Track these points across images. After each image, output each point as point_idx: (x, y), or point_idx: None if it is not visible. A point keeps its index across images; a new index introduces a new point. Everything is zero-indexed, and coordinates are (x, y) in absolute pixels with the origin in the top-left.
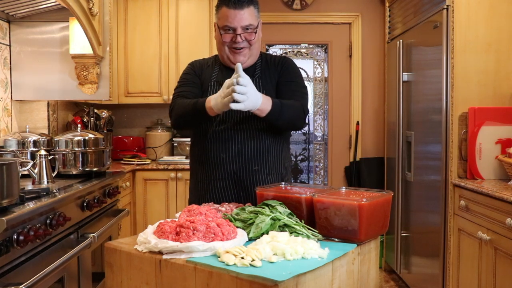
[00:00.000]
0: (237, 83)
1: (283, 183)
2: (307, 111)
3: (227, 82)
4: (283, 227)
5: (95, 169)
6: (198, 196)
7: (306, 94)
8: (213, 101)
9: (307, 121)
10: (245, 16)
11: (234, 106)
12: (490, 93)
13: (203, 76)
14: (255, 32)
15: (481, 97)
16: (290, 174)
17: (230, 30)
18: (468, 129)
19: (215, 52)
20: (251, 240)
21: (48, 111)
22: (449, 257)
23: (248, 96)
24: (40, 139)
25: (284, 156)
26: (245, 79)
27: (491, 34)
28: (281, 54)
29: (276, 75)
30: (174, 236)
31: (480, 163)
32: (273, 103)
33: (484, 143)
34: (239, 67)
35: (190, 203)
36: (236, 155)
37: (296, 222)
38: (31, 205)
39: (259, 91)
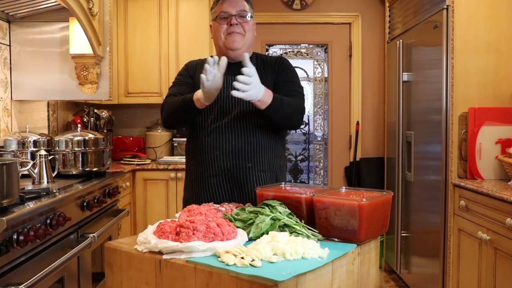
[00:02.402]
0: (242, 73)
1: (283, 183)
2: (304, 110)
3: (209, 60)
4: (283, 227)
5: (95, 169)
6: (192, 193)
7: (303, 94)
8: (199, 91)
9: (306, 121)
10: (240, 3)
11: (235, 93)
12: (490, 93)
13: (197, 75)
14: (250, 18)
15: (481, 97)
16: (285, 173)
17: (226, 17)
18: (468, 129)
19: (215, 52)
20: (251, 240)
21: (48, 111)
22: (449, 257)
23: (252, 87)
24: (40, 139)
25: (279, 154)
26: (251, 70)
27: (491, 34)
28: (281, 54)
29: (273, 75)
30: (174, 236)
31: (480, 163)
32: (273, 96)
33: (484, 143)
34: (246, 56)
35: (184, 201)
36: (230, 152)
37: (296, 222)
38: (31, 205)
39: None
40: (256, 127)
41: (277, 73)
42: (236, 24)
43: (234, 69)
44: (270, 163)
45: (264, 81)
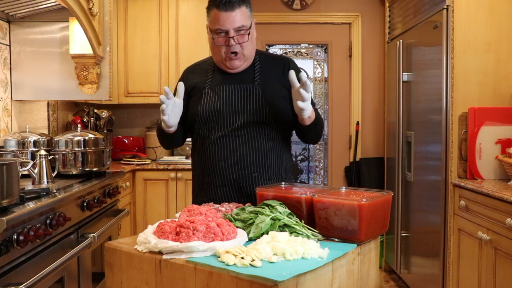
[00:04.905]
0: (304, 87)
1: (283, 183)
2: None
3: (162, 98)
4: (283, 227)
5: (95, 169)
6: (200, 201)
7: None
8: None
9: None
10: (237, 18)
11: (301, 104)
12: (490, 93)
13: (196, 83)
14: (248, 34)
15: (481, 97)
16: (291, 176)
17: (222, 33)
18: (468, 129)
19: None
20: (251, 240)
21: (48, 111)
22: (449, 257)
23: (310, 96)
24: (40, 139)
25: (284, 158)
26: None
27: (491, 34)
28: (280, 54)
29: (283, 80)
30: (174, 236)
31: (480, 163)
32: (314, 110)
33: (484, 143)
34: (303, 75)
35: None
36: (235, 162)
37: (296, 222)
38: (31, 205)
39: (259, 97)
40: (261, 135)
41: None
42: (235, 44)
43: (235, 77)
44: (275, 169)
45: (267, 76)
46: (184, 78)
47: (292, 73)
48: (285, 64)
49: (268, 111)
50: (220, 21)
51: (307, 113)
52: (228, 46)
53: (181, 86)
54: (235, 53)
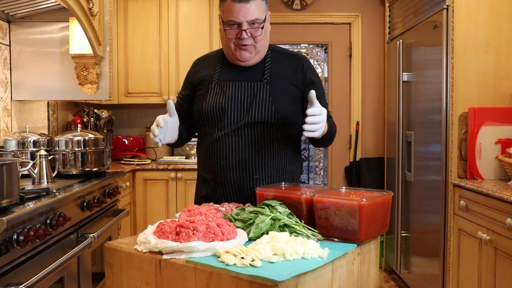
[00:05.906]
0: (313, 114)
1: (283, 183)
2: None
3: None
4: (283, 227)
5: (95, 169)
6: (200, 199)
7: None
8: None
9: None
10: (251, 10)
11: (309, 134)
12: (490, 93)
13: (204, 76)
14: (262, 28)
15: (481, 97)
16: (297, 179)
17: (235, 25)
18: (468, 129)
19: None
20: (251, 240)
21: (48, 111)
22: (449, 257)
23: (322, 125)
24: (40, 139)
25: (290, 160)
26: (319, 109)
27: (491, 34)
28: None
29: (294, 81)
30: (174, 236)
31: (480, 163)
32: (328, 124)
33: (484, 143)
34: (313, 94)
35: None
36: (237, 162)
37: (296, 222)
38: (31, 205)
39: (266, 96)
40: (265, 136)
41: (303, 83)
42: (248, 37)
43: (243, 74)
44: (279, 172)
45: (278, 73)
46: (192, 70)
47: (312, 93)
48: (299, 62)
49: (274, 111)
50: (234, 13)
51: (318, 133)
52: (240, 39)
53: (171, 104)
54: (247, 44)
